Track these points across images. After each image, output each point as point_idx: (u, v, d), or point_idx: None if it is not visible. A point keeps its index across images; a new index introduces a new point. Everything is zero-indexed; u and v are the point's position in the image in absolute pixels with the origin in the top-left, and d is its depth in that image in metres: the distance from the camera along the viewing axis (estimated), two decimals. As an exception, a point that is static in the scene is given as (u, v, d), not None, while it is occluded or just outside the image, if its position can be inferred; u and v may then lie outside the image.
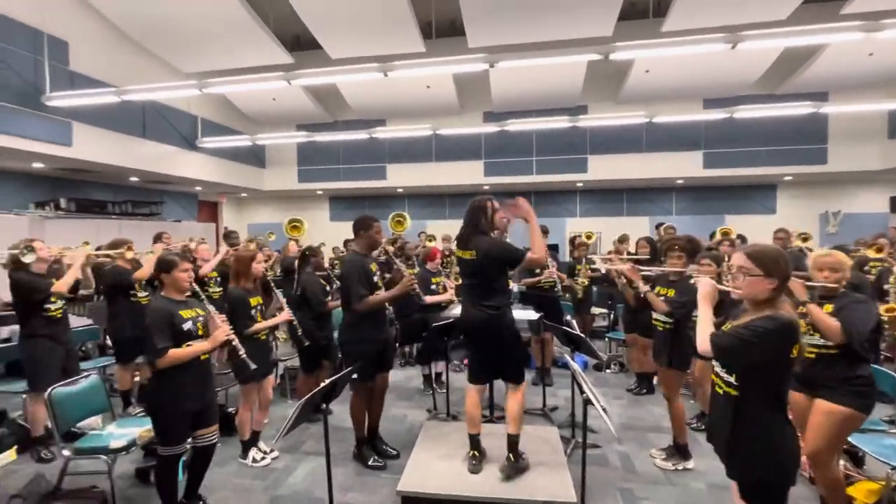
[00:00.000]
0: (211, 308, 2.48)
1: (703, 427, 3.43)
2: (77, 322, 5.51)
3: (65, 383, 2.75)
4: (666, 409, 3.21)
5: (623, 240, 6.24)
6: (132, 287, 3.88)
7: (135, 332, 3.89)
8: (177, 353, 2.28)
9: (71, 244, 3.97)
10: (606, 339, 5.87)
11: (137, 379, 4.13)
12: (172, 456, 2.36)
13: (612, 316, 6.01)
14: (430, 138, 10.51)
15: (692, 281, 2.01)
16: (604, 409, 2.26)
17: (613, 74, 9.44)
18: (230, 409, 3.66)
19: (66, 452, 2.57)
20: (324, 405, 2.40)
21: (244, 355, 2.48)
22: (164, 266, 2.43)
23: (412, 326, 3.99)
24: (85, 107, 6.66)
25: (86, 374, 2.97)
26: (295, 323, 3.44)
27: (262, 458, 3.18)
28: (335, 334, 4.05)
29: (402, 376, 5.08)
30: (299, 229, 6.72)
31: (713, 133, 9.46)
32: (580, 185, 10.93)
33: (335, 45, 8.26)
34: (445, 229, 9.36)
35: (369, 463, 3.12)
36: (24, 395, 3.55)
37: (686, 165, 9.75)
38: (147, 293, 4.03)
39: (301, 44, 10.03)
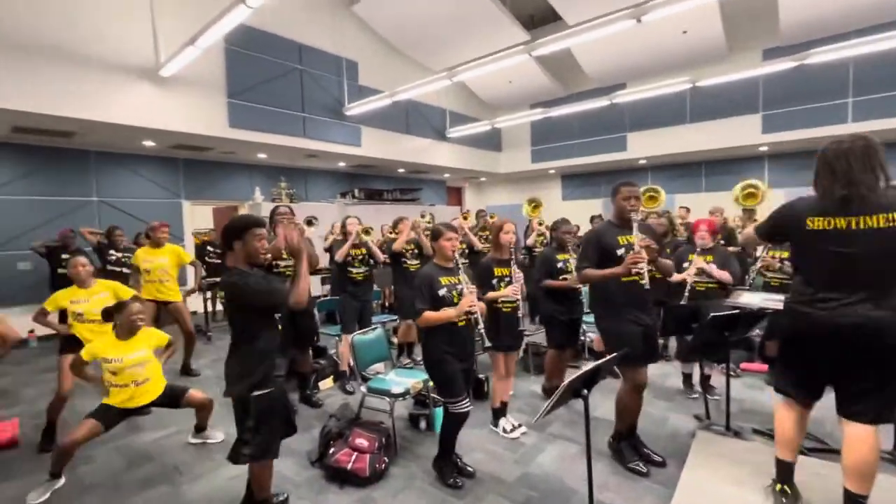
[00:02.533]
0: (464, 277, 2.54)
1: None
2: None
3: (361, 332, 3.34)
4: None
5: None
6: (403, 256, 4.54)
7: (407, 295, 4.55)
8: (428, 316, 2.45)
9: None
10: None
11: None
12: (457, 413, 2.52)
13: None
14: (684, 96, 8.88)
15: None
16: None
17: None
18: (480, 375, 3.83)
19: (363, 389, 3.12)
20: (584, 391, 2.12)
21: (482, 329, 2.46)
22: (433, 235, 2.63)
23: (681, 314, 3.31)
24: (369, 112, 8.22)
25: (374, 326, 3.55)
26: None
27: (512, 430, 3.18)
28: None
29: (657, 371, 4.40)
30: (539, 208, 6.66)
31: None
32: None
33: (571, 10, 7.76)
34: (703, 202, 7.77)
35: (629, 464, 2.72)
36: (336, 337, 4.59)
37: None
38: (418, 262, 4.65)
39: (535, 21, 9.92)
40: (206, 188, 8.31)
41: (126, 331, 2.76)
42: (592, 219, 7.93)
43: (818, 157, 1.92)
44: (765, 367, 4.26)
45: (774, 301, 2.70)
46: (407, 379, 3.15)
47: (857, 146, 1.81)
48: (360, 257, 4.18)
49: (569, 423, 3.38)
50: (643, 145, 9.76)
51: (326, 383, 4.24)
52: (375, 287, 6.11)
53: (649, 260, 2.51)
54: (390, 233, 6.00)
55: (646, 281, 2.49)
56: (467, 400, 2.57)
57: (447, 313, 2.44)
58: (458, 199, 14.14)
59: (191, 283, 6.86)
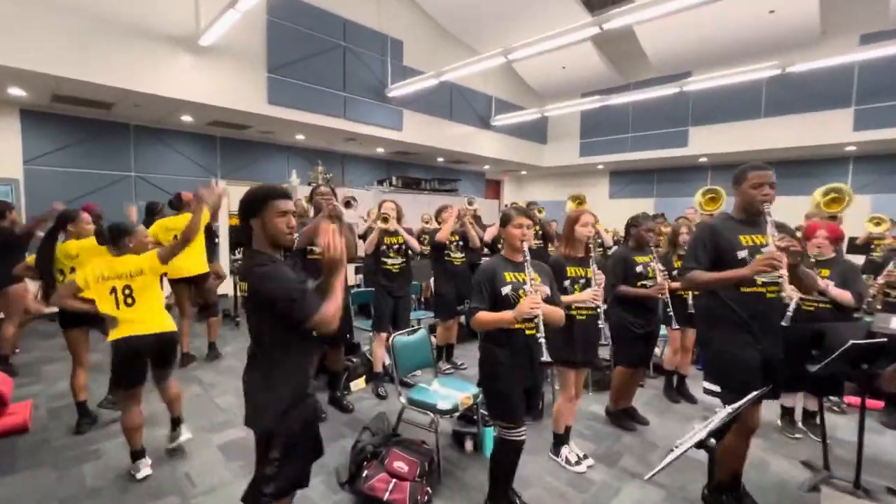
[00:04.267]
0: (531, 273, 2.02)
1: None
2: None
3: (402, 332, 2.88)
4: None
5: None
6: (445, 247, 4.06)
7: (449, 292, 4.06)
8: (482, 318, 1.98)
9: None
10: None
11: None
12: (511, 441, 2.06)
13: None
14: (759, 87, 7.97)
15: None
16: None
17: None
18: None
19: (402, 400, 2.66)
20: (711, 441, 1.58)
21: (542, 340, 1.89)
22: (501, 220, 2.14)
23: (798, 337, 2.67)
24: (412, 95, 7.76)
25: (416, 327, 3.08)
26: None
27: (577, 462, 2.65)
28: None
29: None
30: (583, 206, 6.06)
31: None
32: None
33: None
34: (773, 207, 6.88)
35: (737, 524, 2.15)
36: (369, 333, 4.16)
37: None
38: (462, 255, 4.16)
39: (593, 4, 9.17)
40: (243, 168, 8.08)
41: (130, 251, 2.56)
42: (629, 225, 6.92)
43: None
44: (880, 403, 3.55)
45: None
46: (454, 391, 2.67)
47: None
48: (396, 246, 3.71)
49: (641, 457, 2.82)
50: (706, 141, 8.89)
51: (358, 384, 3.83)
52: (413, 281, 5.69)
53: (789, 266, 1.91)
54: (427, 223, 5.53)
55: (787, 293, 1.89)
56: (524, 427, 2.08)
57: (504, 316, 1.94)
58: (497, 192, 13.55)
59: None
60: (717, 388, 2.20)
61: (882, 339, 2.25)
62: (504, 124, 9.86)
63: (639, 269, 3.08)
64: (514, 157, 10.53)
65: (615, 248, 5.90)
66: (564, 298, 2.50)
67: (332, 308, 1.48)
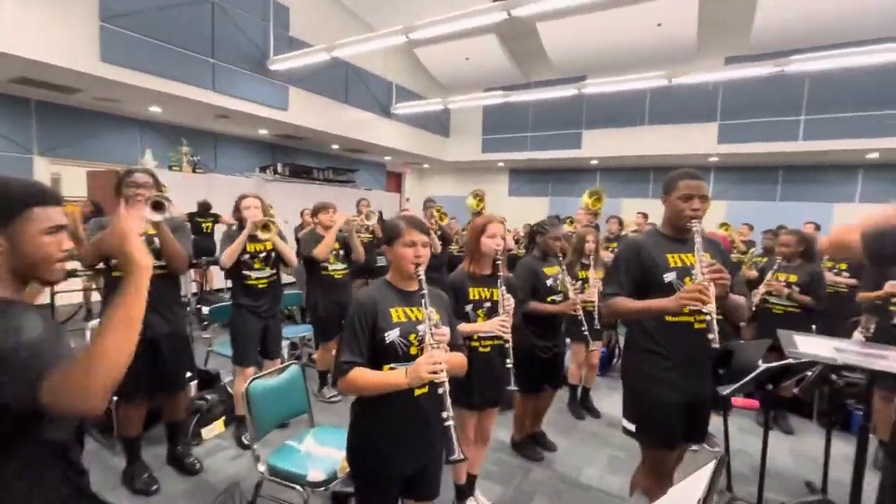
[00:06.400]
0: (430, 311, 1.42)
1: None
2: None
3: (264, 374, 2.18)
4: None
5: None
6: (326, 259, 3.38)
7: (329, 311, 3.40)
8: (359, 380, 1.37)
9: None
10: None
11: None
12: None
13: None
14: (644, 97, 8.49)
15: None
16: None
17: None
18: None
19: (260, 468, 1.97)
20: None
21: (444, 391, 1.34)
22: (386, 236, 1.55)
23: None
24: (299, 71, 6.78)
25: (287, 363, 2.38)
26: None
27: (484, 519, 2.23)
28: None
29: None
30: (482, 202, 5.82)
31: None
32: (873, 156, 7.57)
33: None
34: (646, 207, 7.35)
35: None
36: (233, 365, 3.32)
37: None
38: (345, 265, 3.50)
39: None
40: (72, 143, 6.35)
41: None
42: (534, 232, 6.73)
43: None
44: (755, 403, 3.76)
45: (865, 356, 2.01)
46: (333, 451, 2.06)
47: None
48: (264, 255, 2.92)
49: (555, 497, 2.51)
50: (598, 145, 9.29)
51: (214, 428, 3.00)
52: (297, 290, 4.87)
53: (718, 296, 1.65)
54: (308, 222, 4.73)
55: (713, 336, 1.62)
56: None
57: (391, 379, 1.37)
58: (398, 185, 12.96)
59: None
60: (632, 427, 1.92)
61: (790, 361, 2.18)
62: (405, 113, 9.27)
63: (549, 282, 2.75)
64: (415, 148, 10.01)
65: (515, 251, 5.74)
66: (464, 328, 2.02)
67: (109, 343, 0.82)
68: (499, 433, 3.10)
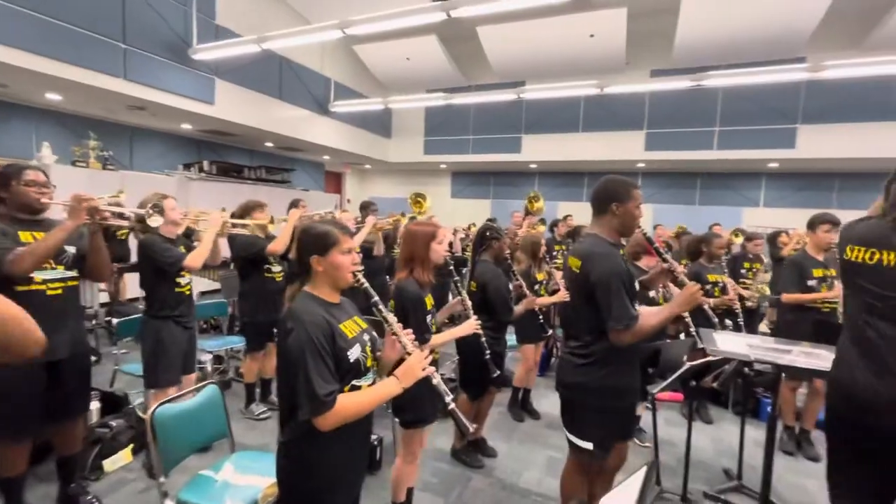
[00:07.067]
0: (391, 318, 1.41)
1: None
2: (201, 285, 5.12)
3: (172, 398, 1.94)
4: None
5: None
6: (267, 260, 3.15)
7: (267, 316, 3.15)
8: (352, 405, 1.26)
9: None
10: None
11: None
12: None
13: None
14: (578, 105, 8.87)
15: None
16: None
17: (870, 9, 6.77)
18: (373, 438, 2.69)
19: (168, 504, 1.75)
20: None
21: (438, 380, 1.37)
22: (313, 242, 1.40)
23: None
24: (227, 62, 6.34)
25: (205, 382, 2.14)
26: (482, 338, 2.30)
27: (422, 537, 2.14)
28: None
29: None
30: (422, 205, 5.76)
31: None
32: (773, 165, 8.42)
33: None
34: (582, 211, 7.68)
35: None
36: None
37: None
38: (282, 268, 3.28)
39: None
40: (-52, 133, 5.48)
41: None
42: (486, 237, 6.74)
43: None
44: (679, 396, 3.98)
45: (773, 351, 2.16)
46: (256, 477, 1.87)
47: None
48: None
49: (494, 505, 2.47)
50: (536, 149, 9.56)
51: (119, 459, 2.66)
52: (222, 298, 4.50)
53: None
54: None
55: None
56: None
57: (381, 393, 1.33)
58: (338, 186, 12.56)
59: None
60: (588, 446, 1.82)
61: (710, 359, 2.31)
62: (345, 112, 8.98)
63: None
64: (356, 148, 9.73)
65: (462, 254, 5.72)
66: (436, 339, 2.01)
67: None
68: (439, 442, 3.03)
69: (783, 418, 3.22)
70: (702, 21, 6.68)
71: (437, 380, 1.36)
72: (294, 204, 3.47)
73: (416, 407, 1.98)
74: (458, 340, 2.85)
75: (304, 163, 10.91)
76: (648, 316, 1.70)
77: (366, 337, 1.40)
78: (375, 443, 2.66)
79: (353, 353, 1.30)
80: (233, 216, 3.21)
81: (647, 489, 1.18)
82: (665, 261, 1.94)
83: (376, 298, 1.38)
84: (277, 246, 3.05)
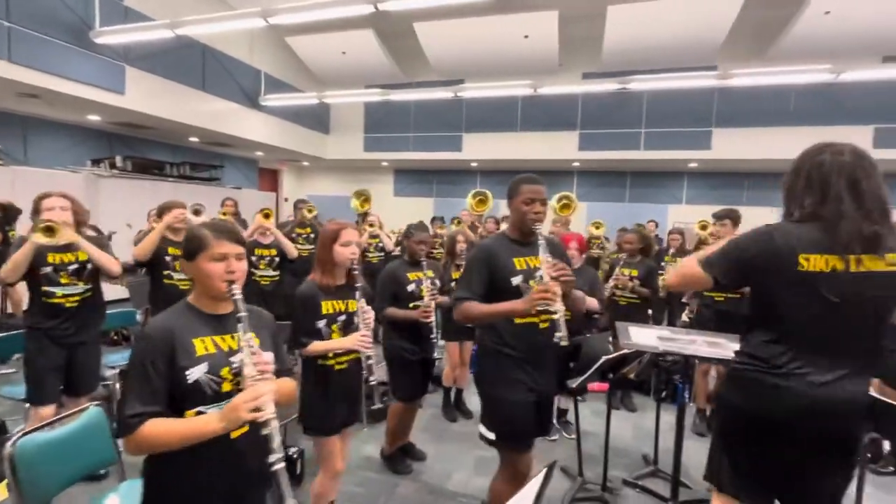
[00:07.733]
0: (248, 337, 1.18)
1: None
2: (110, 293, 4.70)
3: (44, 425, 1.71)
4: None
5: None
6: (167, 266, 2.90)
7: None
8: (159, 433, 1.10)
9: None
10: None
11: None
12: None
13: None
14: (516, 105, 9.04)
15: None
16: None
17: (771, 23, 7.42)
18: (291, 450, 2.55)
19: (33, 549, 1.53)
20: None
21: (270, 431, 1.11)
22: (184, 247, 1.26)
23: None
24: (139, 49, 5.81)
25: (91, 401, 1.90)
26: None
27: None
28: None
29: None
30: (368, 203, 5.65)
31: None
32: (693, 165, 9.06)
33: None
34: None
35: None
36: (27, 406, 2.63)
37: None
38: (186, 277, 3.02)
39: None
40: None
41: None
42: (403, 239, 6.96)
43: (813, 168, 1.34)
44: (605, 386, 4.14)
45: (679, 342, 2.27)
46: None
47: (867, 162, 1.30)
48: (73, 267, 2.36)
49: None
50: (477, 148, 9.64)
51: (-7, 495, 2.32)
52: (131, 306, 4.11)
53: (563, 294, 1.69)
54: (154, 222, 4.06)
55: (562, 333, 1.66)
56: None
57: (200, 427, 1.12)
58: (274, 184, 11.99)
59: None
60: (491, 436, 1.90)
61: (624, 352, 2.40)
62: (278, 106, 8.55)
63: (410, 287, 2.68)
64: (290, 144, 9.31)
65: (397, 251, 5.64)
66: (317, 346, 1.85)
67: None
68: (365, 450, 2.94)
69: (696, 401, 3.44)
70: (626, 27, 7.03)
71: (268, 430, 1.09)
72: (167, 208, 3.03)
73: (314, 415, 1.89)
74: (383, 345, 2.81)
75: (235, 159, 10.30)
76: (489, 306, 1.79)
77: (233, 358, 1.20)
78: (295, 455, 2.52)
79: (194, 374, 1.14)
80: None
81: (543, 492, 1.16)
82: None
83: (242, 314, 1.18)
84: (138, 251, 2.86)
